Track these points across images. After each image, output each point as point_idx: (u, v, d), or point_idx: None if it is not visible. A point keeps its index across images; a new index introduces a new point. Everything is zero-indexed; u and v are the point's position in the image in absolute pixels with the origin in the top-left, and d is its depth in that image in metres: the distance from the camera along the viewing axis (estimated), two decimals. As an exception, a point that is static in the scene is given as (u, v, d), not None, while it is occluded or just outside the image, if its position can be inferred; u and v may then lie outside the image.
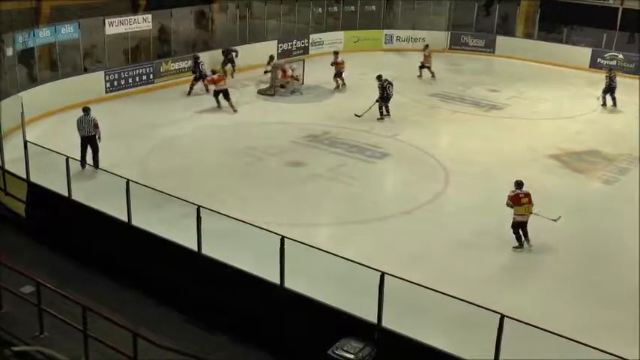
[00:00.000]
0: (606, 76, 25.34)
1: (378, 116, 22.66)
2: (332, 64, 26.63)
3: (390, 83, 22.89)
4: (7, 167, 15.44)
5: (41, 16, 24.34)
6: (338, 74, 26.58)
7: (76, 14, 24.14)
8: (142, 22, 25.28)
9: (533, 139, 21.43)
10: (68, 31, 22.70)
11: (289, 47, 31.22)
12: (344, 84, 26.70)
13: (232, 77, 26.84)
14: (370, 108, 22.40)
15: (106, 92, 23.76)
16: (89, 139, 17.55)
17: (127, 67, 24.80)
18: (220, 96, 23.15)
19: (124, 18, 24.75)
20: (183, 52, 26.87)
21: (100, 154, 17.56)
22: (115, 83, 24.16)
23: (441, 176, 18.15)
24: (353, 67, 28.27)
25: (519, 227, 14.18)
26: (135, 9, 27.54)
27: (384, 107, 22.81)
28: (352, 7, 33.92)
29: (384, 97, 22.73)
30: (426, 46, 29.16)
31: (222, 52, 27.48)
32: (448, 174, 18.30)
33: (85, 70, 23.85)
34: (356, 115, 22.40)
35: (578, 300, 12.64)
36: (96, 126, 17.54)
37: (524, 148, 20.61)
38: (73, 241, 13.78)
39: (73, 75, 23.15)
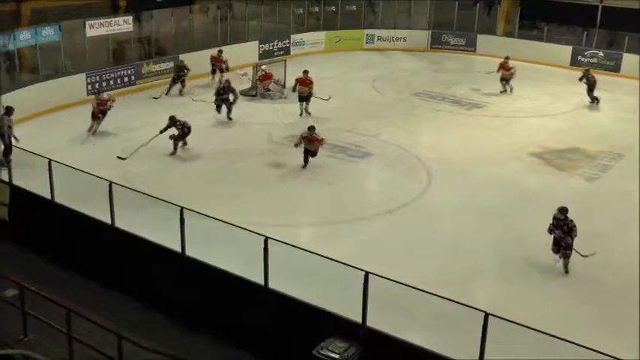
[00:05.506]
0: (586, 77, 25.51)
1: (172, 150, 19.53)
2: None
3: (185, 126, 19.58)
4: (-12, 171, 15.32)
5: (21, 19, 24.17)
6: None
7: (57, 16, 24.01)
8: (123, 24, 25.18)
9: (515, 137, 21.57)
10: (49, 33, 22.61)
11: (270, 48, 31.14)
12: None
13: (182, 95, 25.00)
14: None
15: (88, 94, 23.62)
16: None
17: (108, 69, 24.69)
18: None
19: (104, 20, 24.65)
20: (164, 53, 26.79)
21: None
22: (97, 85, 24.03)
23: (423, 175, 18.22)
24: (335, 67, 28.35)
25: (303, 101, 22.57)
26: (115, 10, 27.39)
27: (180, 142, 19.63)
28: (333, 8, 33.92)
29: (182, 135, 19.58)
30: (507, 57, 26.88)
31: (175, 67, 25.65)
32: (430, 173, 18.37)
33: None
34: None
35: (561, 296, 12.75)
36: (9, 128, 17.47)
37: (505, 146, 20.74)
38: (56, 244, 13.72)
39: (54, 77, 23.05)
